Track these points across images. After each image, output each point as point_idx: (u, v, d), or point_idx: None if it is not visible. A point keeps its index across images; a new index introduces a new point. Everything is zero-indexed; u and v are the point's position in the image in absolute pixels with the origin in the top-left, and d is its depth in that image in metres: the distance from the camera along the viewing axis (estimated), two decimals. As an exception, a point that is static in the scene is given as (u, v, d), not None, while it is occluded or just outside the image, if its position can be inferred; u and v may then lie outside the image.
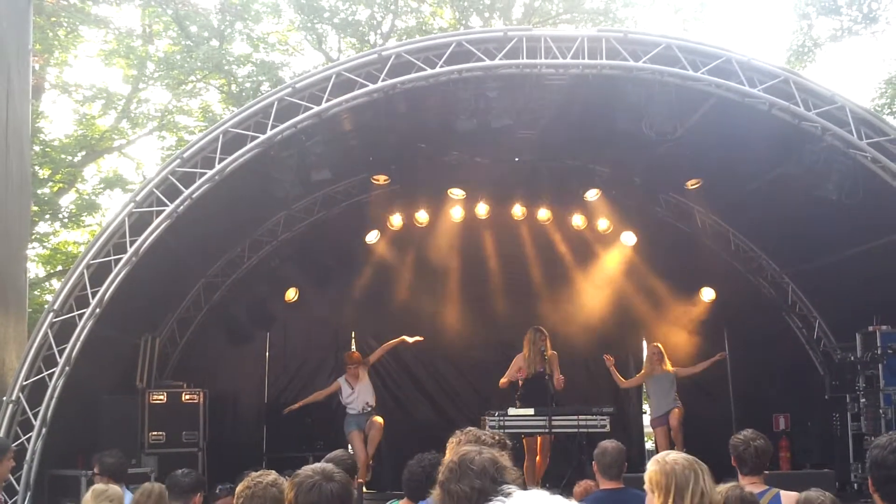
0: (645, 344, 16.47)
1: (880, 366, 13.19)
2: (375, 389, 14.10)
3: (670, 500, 4.32)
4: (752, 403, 14.91)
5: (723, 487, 5.07)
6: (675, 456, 4.50)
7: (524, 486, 3.41)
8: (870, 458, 4.04)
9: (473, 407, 14.32)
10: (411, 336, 14.24)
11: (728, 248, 15.57)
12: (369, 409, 13.61)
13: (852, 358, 13.81)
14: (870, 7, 25.72)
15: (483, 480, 3.53)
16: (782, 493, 5.91)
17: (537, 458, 12.72)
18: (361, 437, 13.58)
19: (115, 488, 6.66)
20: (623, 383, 14.66)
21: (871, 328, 13.42)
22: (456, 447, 4.72)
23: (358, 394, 13.66)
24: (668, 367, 14.10)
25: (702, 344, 15.15)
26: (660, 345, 14.41)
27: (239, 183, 11.11)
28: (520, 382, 13.08)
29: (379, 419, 13.54)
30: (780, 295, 15.49)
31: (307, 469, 3.89)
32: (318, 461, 5.83)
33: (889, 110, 24.84)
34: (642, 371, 14.66)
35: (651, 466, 4.49)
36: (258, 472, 4.57)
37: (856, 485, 13.31)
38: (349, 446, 13.24)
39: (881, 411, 13.05)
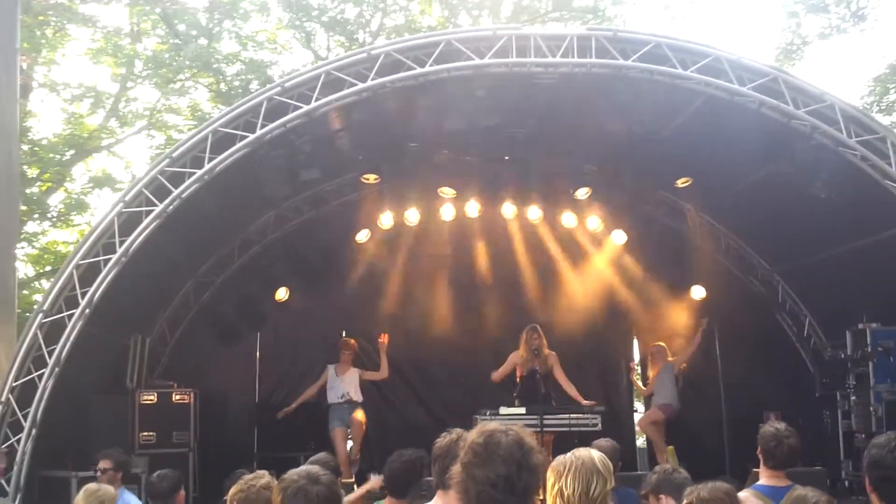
0: (636, 343, 16.51)
1: (871, 363, 13.16)
2: (366, 390, 14.14)
3: (547, 489, 4.37)
4: (742, 401, 14.92)
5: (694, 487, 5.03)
6: (579, 452, 4.52)
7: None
8: (868, 457, 4.06)
9: (464, 406, 14.26)
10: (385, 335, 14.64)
11: (718, 247, 15.59)
12: (347, 398, 13.70)
13: (842, 356, 13.81)
14: (858, 5, 25.82)
15: (509, 467, 3.39)
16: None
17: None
18: (343, 434, 13.66)
19: (106, 488, 6.65)
20: (643, 391, 15.02)
21: (861, 326, 13.41)
22: (445, 446, 4.70)
23: (340, 382, 13.76)
24: (669, 357, 14.31)
25: (692, 343, 15.17)
26: (661, 343, 14.56)
27: (228, 182, 11.08)
28: (518, 380, 13.14)
29: (359, 416, 13.62)
30: (770, 293, 15.51)
31: (292, 473, 3.87)
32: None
33: (878, 108, 24.91)
34: (651, 372, 14.71)
35: None
36: (251, 475, 4.55)
37: (847, 482, 13.33)
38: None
39: (872, 409, 13.03)
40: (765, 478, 5.99)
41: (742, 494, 5.58)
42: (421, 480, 6.32)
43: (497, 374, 13.32)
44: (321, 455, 6.77)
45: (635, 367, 14.91)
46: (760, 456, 6.06)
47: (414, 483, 6.28)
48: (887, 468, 3.91)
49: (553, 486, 4.32)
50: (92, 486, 6.63)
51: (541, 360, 13.03)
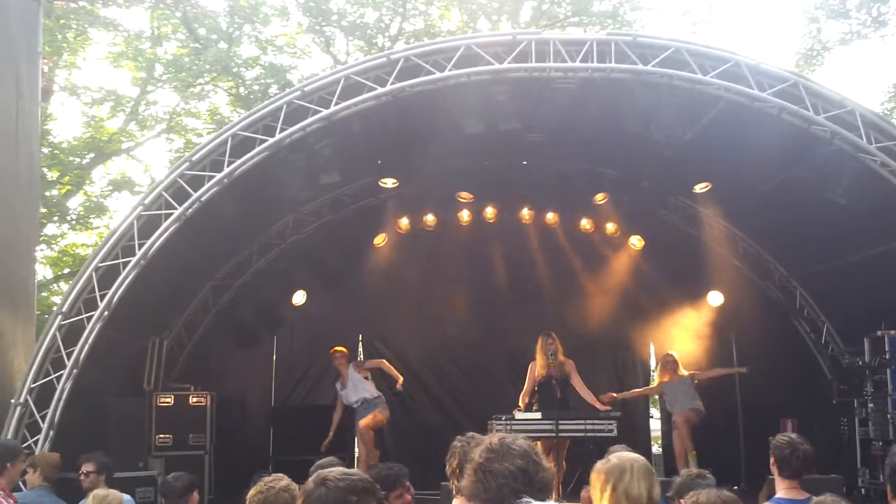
0: (653, 348, 16.46)
1: (888, 370, 13.11)
2: (382, 393, 14.11)
3: (597, 494, 4.24)
4: (759, 408, 14.85)
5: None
6: (620, 454, 4.46)
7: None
8: (889, 464, 4.03)
9: (480, 410, 14.28)
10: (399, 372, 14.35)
11: (736, 252, 15.53)
12: (361, 402, 13.67)
13: (860, 362, 13.76)
14: (879, 11, 25.72)
15: (526, 461, 3.58)
16: None
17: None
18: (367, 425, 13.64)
19: (115, 493, 6.71)
20: (653, 389, 14.93)
21: (879, 333, 13.36)
22: (460, 453, 4.70)
23: (347, 393, 13.78)
24: (683, 371, 14.15)
25: (710, 348, 15.09)
26: (673, 352, 14.42)
27: (248, 186, 11.10)
28: (535, 387, 13.09)
29: (364, 421, 13.57)
30: (788, 299, 15.44)
31: (316, 475, 3.80)
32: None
33: (898, 114, 24.81)
34: (657, 380, 14.65)
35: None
36: (270, 477, 4.54)
37: (863, 490, 13.27)
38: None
39: (889, 416, 12.99)
40: (782, 490, 5.94)
41: None
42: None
43: (523, 394, 13.20)
44: (328, 459, 6.76)
45: (652, 372, 14.86)
46: (774, 467, 6.00)
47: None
48: (910, 475, 3.89)
49: (614, 487, 4.18)
50: (101, 491, 6.70)
51: (556, 366, 12.98)
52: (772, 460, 6.03)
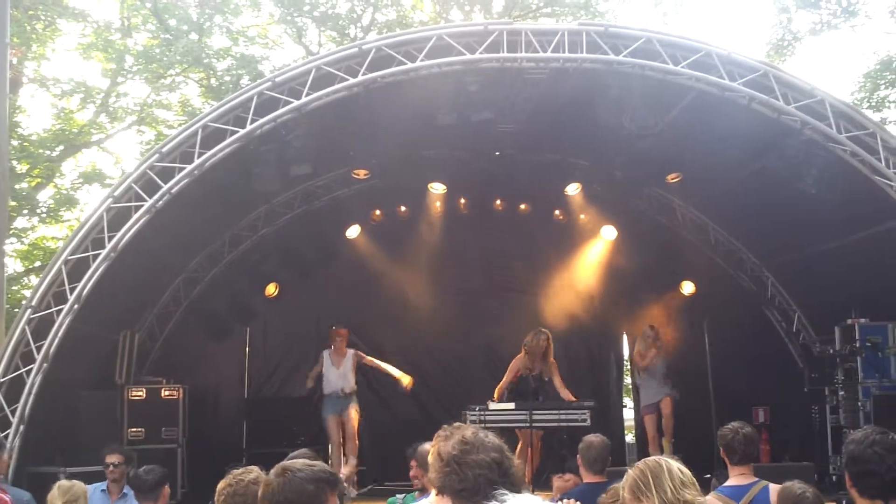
0: (626, 337, 16.51)
1: (859, 359, 13.22)
2: (358, 386, 14.04)
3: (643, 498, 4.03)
4: (731, 397, 14.88)
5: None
6: (653, 457, 4.36)
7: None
8: (846, 452, 4.05)
9: (456, 402, 14.24)
10: (406, 374, 14.10)
11: (708, 242, 15.60)
12: (343, 394, 13.59)
13: (831, 351, 13.84)
14: (849, 1, 25.84)
15: (500, 454, 3.63)
16: (771, 485, 5.89)
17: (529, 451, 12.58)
18: (337, 422, 13.55)
19: (79, 484, 6.74)
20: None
21: (849, 321, 13.44)
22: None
23: (338, 374, 13.65)
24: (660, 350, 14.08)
25: (681, 337, 15.15)
26: (655, 325, 14.35)
27: (219, 177, 11.05)
28: (514, 379, 13.03)
29: (353, 413, 13.50)
30: (759, 288, 15.53)
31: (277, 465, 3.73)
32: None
33: (868, 104, 24.96)
34: (636, 349, 14.41)
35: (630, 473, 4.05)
36: (240, 470, 4.51)
37: (835, 477, 13.32)
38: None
39: (860, 404, 13.08)
40: (732, 478, 6.09)
41: (707, 498, 5.60)
42: None
43: (499, 386, 13.06)
44: (302, 450, 6.73)
45: (625, 361, 14.85)
46: (724, 457, 6.16)
47: None
48: (867, 463, 3.90)
49: (655, 485, 3.91)
50: (65, 483, 6.78)
51: (545, 366, 12.91)
52: (721, 452, 6.17)
